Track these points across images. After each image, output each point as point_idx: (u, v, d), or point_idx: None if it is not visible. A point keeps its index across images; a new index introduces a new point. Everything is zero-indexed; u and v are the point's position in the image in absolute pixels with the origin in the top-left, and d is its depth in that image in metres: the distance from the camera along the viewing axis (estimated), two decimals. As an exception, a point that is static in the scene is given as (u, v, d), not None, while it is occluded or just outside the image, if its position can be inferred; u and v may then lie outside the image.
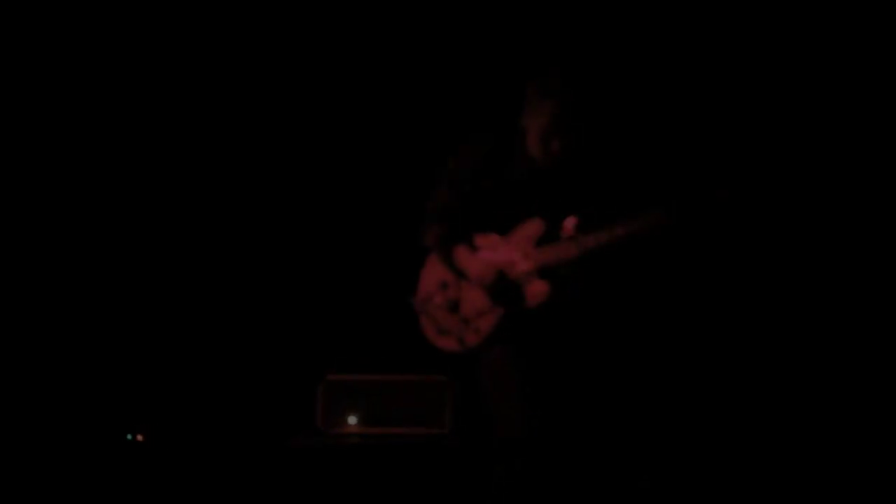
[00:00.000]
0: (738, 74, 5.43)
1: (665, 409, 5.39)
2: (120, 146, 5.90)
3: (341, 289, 5.83)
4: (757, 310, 5.40)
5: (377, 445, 5.16)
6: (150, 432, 5.47)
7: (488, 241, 3.92)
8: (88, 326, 5.78)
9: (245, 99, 5.88)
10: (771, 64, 5.40)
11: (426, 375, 5.26)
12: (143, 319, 5.87)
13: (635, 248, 3.75)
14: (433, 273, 4.05)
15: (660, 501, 4.98)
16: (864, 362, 5.24)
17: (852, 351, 5.26)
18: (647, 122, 5.48)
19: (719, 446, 5.28)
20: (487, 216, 3.93)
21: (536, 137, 3.85)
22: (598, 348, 4.03)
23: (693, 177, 4.86)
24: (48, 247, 5.80)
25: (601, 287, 3.96)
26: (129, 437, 5.40)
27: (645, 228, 3.68)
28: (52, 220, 5.81)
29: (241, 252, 5.95)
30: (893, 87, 5.19)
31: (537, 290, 3.82)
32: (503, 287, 3.85)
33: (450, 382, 5.23)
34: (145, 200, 5.92)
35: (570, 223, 3.81)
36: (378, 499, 5.07)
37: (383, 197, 5.69)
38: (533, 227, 3.87)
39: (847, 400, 5.22)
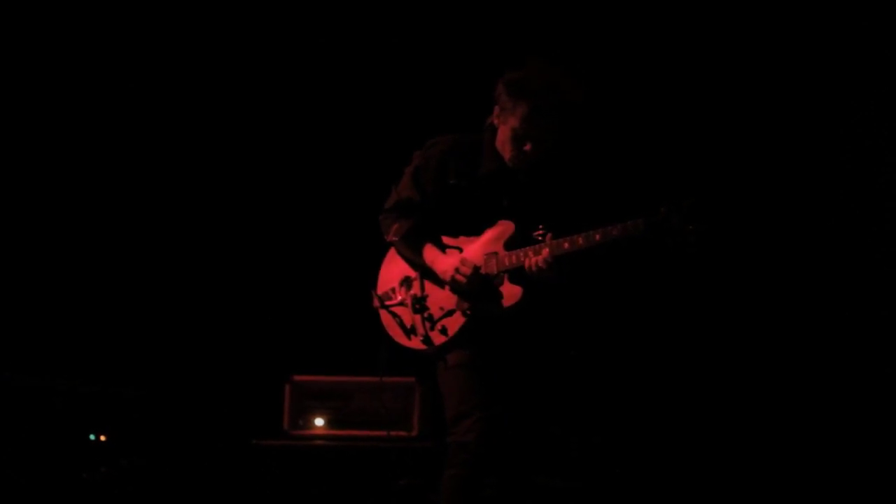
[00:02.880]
0: (717, 81, 5.42)
1: (632, 419, 5.39)
2: (97, 146, 5.91)
3: (308, 290, 5.82)
4: (735, 328, 5.39)
5: (344, 447, 5.11)
6: (114, 432, 5.42)
7: (456, 241, 3.85)
8: (58, 326, 5.77)
9: (210, 107, 5.88)
10: (750, 72, 5.40)
11: (394, 377, 5.21)
12: (110, 320, 5.87)
13: (612, 255, 3.68)
14: (394, 268, 3.96)
15: None
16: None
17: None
18: (626, 125, 5.46)
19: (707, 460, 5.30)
20: (455, 214, 3.85)
21: (508, 137, 3.78)
22: (568, 355, 3.99)
23: (672, 183, 4.86)
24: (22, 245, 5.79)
25: (574, 292, 3.90)
26: (91, 436, 5.35)
27: (623, 236, 3.54)
28: (22, 218, 5.79)
29: (208, 255, 5.95)
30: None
31: (511, 292, 3.74)
32: (474, 287, 3.76)
33: (418, 384, 5.18)
34: (112, 209, 5.92)
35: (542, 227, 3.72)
36: (345, 502, 5.02)
37: (352, 197, 5.65)
38: (503, 229, 3.78)
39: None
